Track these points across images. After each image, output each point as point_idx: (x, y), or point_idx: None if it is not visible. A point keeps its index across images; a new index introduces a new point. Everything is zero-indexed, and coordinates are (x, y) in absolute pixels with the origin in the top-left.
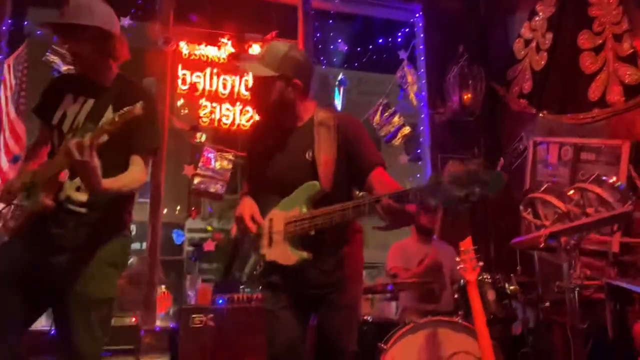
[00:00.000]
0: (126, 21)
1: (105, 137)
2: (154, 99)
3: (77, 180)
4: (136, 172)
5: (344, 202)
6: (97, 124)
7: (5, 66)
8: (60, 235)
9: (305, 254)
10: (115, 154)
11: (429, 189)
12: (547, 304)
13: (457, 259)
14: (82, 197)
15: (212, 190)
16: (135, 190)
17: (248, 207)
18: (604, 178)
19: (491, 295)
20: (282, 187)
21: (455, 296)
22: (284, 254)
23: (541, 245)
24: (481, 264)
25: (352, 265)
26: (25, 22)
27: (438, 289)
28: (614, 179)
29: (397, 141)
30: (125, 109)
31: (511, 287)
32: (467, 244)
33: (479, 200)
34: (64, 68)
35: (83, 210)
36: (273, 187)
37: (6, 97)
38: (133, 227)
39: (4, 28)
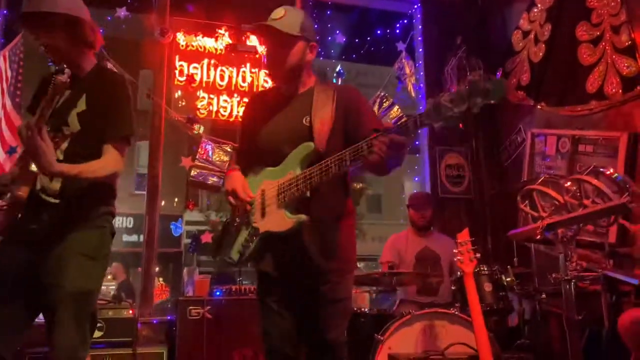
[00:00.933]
0: (122, 12)
1: (77, 127)
2: (126, 85)
3: None
4: (105, 160)
5: None
6: (69, 114)
7: (1, 57)
8: (35, 230)
9: (302, 216)
10: (90, 145)
11: (428, 112)
12: (544, 295)
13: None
14: (55, 185)
15: (209, 182)
16: (103, 178)
17: (239, 181)
18: (601, 170)
19: (488, 286)
20: (277, 155)
21: (453, 288)
22: (280, 220)
23: (538, 237)
24: (478, 255)
25: (345, 256)
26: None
27: (436, 281)
28: (611, 170)
29: None
30: (53, 80)
31: (508, 279)
32: (464, 236)
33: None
34: None
35: (56, 200)
36: (267, 157)
37: (2, 89)
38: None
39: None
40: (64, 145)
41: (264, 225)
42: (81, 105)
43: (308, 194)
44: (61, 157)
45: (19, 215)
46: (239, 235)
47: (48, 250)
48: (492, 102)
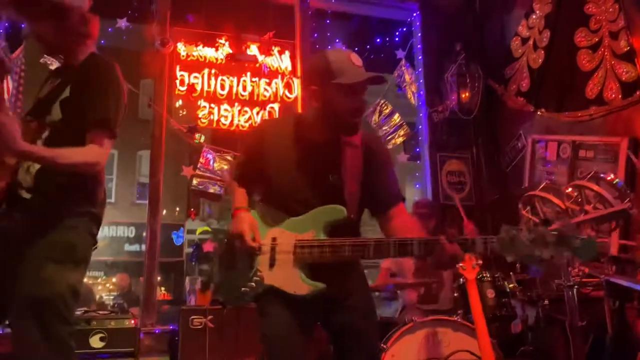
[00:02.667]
0: (123, 23)
1: (58, 115)
2: (112, 71)
3: (28, 162)
4: (85, 149)
5: (359, 234)
6: (54, 104)
7: None
8: (7, 228)
9: (320, 285)
10: (70, 134)
11: (502, 242)
12: (547, 301)
13: None
14: (29, 178)
15: (211, 190)
16: (78, 167)
17: (248, 224)
18: (602, 175)
19: (490, 293)
20: (294, 205)
21: (455, 295)
22: (293, 281)
23: None
24: (480, 262)
25: (361, 275)
26: (23, 25)
27: (435, 288)
28: (612, 176)
29: (396, 140)
30: None
31: (510, 285)
32: None
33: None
34: None
35: (28, 195)
36: (282, 202)
37: (2, 99)
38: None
39: (1, 30)
40: (45, 134)
41: (272, 279)
42: (65, 94)
43: (323, 261)
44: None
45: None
46: (238, 280)
47: (15, 249)
48: (581, 260)
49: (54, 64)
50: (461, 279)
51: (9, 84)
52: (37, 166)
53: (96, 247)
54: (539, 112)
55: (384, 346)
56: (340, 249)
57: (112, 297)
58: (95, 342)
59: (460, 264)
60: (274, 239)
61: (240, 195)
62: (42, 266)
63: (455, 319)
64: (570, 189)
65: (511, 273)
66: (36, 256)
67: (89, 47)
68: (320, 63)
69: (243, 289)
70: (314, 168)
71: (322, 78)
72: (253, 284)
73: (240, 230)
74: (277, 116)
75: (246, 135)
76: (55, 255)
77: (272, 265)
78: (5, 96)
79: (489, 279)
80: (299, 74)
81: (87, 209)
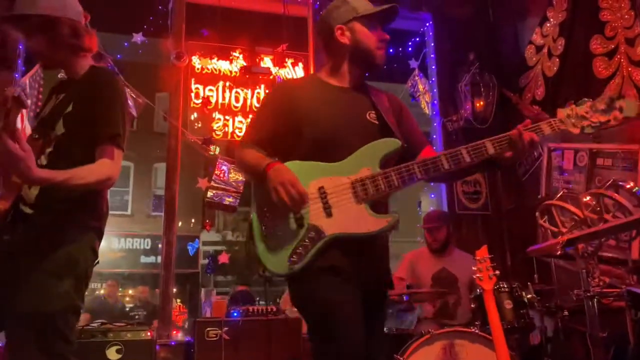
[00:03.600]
0: (139, 38)
1: (61, 130)
2: (113, 84)
3: None
4: (95, 165)
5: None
6: (59, 119)
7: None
8: (6, 242)
9: (396, 215)
10: (73, 148)
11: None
12: (566, 312)
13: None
14: (32, 194)
15: (226, 202)
16: (92, 186)
17: (291, 174)
18: (620, 183)
19: (508, 304)
20: (339, 150)
21: (472, 306)
22: (362, 220)
23: (558, 253)
24: (497, 272)
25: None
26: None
27: (452, 303)
28: (631, 184)
29: None
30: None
31: (528, 296)
32: (482, 253)
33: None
34: None
35: (30, 211)
36: (320, 153)
37: (21, 115)
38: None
39: (20, 47)
40: (49, 149)
41: (335, 226)
42: (68, 109)
43: (387, 192)
44: (45, 162)
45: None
46: (286, 243)
47: (16, 263)
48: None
49: None
50: (478, 290)
51: (27, 100)
52: None
53: (97, 262)
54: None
55: (401, 358)
56: (409, 172)
57: (127, 309)
58: (112, 354)
59: (477, 275)
60: (321, 188)
61: (262, 153)
62: (43, 281)
63: (473, 330)
64: (588, 198)
65: (529, 283)
66: (36, 270)
67: (88, 60)
68: (340, 4)
69: (298, 250)
70: (350, 111)
71: (347, 16)
72: (307, 242)
73: (290, 178)
74: None
75: (265, 99)
76: (56, 270)
77: (329, 214)
78: (24, 111)
79: (507, 289)
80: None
81: (90, 223)
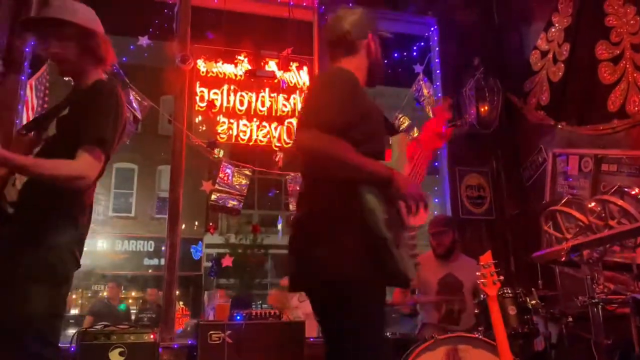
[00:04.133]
0: (145, 41)
1: (53, 131)
2: (111, 94)
3: (15, 175)
4: (70, 162)
5: None
6: (52, 120)
7: (28, 86)
8: None
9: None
10: (61, 148)
11: None
12: (570, 318)
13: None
14: (13, 193)
15: (230, 205)
16: (60, 180)
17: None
18: (625, 189)
19: (512, 310)
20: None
21: (476, 311)
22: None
23: (563, 259)
24: (501, 278)
25: None
26: (47, 45)
27: (457, 310)
28: (637, 190)
29: None
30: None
31: (532, 302)
32: (486, 258)
33: None
34: None
35: (11, 210)
36: (376, 157)
37: (28, 117)
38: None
39: (27, 49)
40: (37, 149)
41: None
42: (64, 112)
43: None
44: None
45: None
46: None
47: None
48: None
49: None
50: (482, 295)
51: (33, 102)
52: (24, 179)
53: (79, 267)
54: (559, 126)
55: None
56: None
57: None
58: (115, 356)
59: (481, 280)
60: None
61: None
62: (21, 285)
63: (476, 336)
64: (593, 204)
65: (533, 289)
66: (15, 275)
67: (99, 72)
68: (365, 17)
69: (416, 260)
70: (383, 118)
71: (371, 29)
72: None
73: (423, 194)
74: (294, 131)
75: (342, 82)
76: (35, 274)
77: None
78: (31, 113)
79: (511, 295)
80: None
81: (70, 230)
